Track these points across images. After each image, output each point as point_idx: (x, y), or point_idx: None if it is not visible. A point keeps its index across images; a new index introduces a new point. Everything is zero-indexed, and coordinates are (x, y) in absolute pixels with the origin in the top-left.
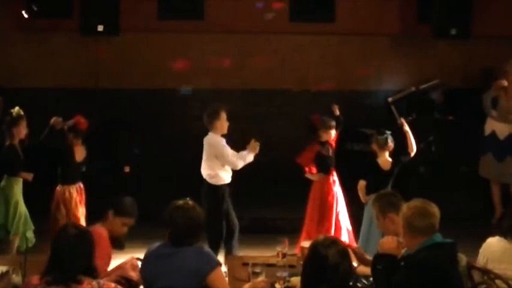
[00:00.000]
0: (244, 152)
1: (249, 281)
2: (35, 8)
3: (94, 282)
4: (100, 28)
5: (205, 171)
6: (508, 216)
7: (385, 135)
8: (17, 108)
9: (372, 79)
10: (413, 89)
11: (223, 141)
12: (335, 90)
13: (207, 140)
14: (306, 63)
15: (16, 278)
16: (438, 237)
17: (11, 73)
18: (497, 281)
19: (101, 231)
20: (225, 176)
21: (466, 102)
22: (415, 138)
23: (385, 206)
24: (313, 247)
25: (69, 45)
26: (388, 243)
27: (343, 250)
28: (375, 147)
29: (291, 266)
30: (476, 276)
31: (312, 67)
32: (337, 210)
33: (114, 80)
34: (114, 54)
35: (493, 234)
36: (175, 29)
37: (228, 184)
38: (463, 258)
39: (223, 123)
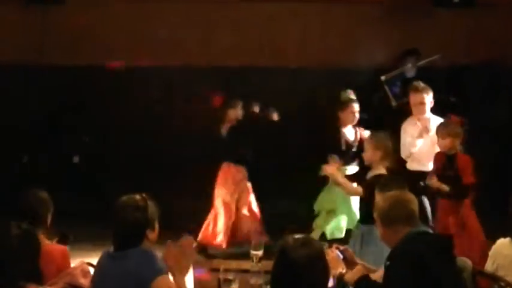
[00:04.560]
0: None
1: None
2: None
3: None
4: None
5: None
6: None
7: None
8: None
9: (362, 54)
10: (409, 65)
11: None
12: (319, 67)
13: None
14: (284, 36)
15: None
16: (425, 228)
17: None
18: None
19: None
20: None
21: (471, 80)
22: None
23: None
24: (281, 249)
25: (8, 13)
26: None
27: (316, 253)
28: None
29: (268, 272)
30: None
31: (291, 41)
32: None
33: (61, 55)
34: (60, 25)
35: (504, 235)
36: None
37: None
38: (467, 262)
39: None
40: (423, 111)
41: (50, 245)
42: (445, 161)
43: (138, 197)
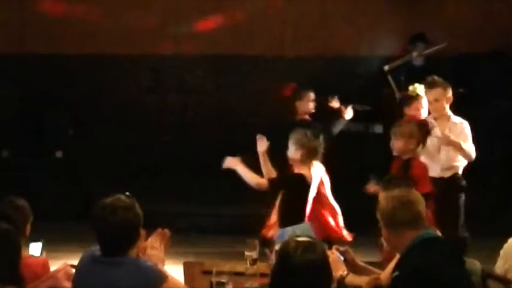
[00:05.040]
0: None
1: None
2: None
3: None
4: None
5: None
6: None
7: None
8: None
9: (363, 42)
10: (414, 54)
11: None
12: (317, 56)
13: None
14: (280, 22)
15: None
16: (432, 233)
17: None
18: None
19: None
20: None
21: (480, 70)
22: None
23: None
24: (283, 253)
25: None
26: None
27: (320, 258)
28: None
29: (263, 275)
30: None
31: (288, 28)
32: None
33: (43, 43)
34: (42, 14)
35: None
36: None
37: None
38: (476, 265)
39: None
40: (437, 110)
41: (30, 258)
42: (400, 167)
43: (123, 197)
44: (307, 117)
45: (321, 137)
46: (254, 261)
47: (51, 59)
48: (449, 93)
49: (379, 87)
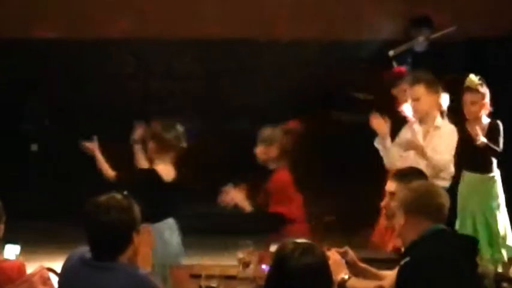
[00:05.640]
0: None
1: None
2: None
3: None
4: None
5: None
6: None
7: None
8: None
9: (365, 25)
10: (421, 38)
11: None
12: (315, 40)
13: None
14: (275, 3)
15: None
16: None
17: None
18: None
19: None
20: None
21: (493, 55)
22: None
23: None
24: (279, 257)
25: None
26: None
27: (319, 262)
28: None
29: (258, 279)
30: None
31: (283, 9)
32: None
33: (15, 27)
34: None
35: None
36: None
37: None
38: (488, 268)
39: None
40: (417, 111)
41: (4, 262)
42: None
43: (119, 196)
44: None
45: (179, 130)
46: (247, 264)
47: (23, 43)
48: (436, 92)
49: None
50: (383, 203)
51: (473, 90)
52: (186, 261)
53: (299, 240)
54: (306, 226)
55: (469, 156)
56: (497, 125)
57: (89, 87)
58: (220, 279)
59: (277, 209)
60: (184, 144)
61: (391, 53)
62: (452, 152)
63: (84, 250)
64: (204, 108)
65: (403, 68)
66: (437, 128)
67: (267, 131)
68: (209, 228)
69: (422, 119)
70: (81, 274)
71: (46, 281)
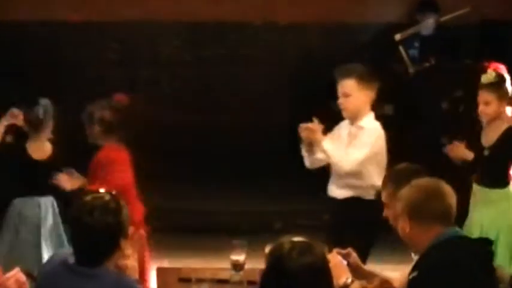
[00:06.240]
0: None
1: None
2: None
3: None
4: None
5: None
6: None
7: None
8: None
9: (368, 6)
10: (430, 21)
11: None
12: (315, 23)
13: None
14: None
15: None
16: (461, 231)
17: None
18: None
19: None
20: None
21: (507, 40)
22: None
23: None
24: (275, 256)
25: None
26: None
27: (318, 262)
28: None
29: (251, 283)
30: None
31: None
32: None
33: None
34: None
35: None
36: None
37: None
38: (504, 272)
39: None
40: (345, 108)
41: None
42: None
43: (107, 196)
44: None
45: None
46: (241, 267)
47: (4, 26)
48: (369, 88)
49: (388, 60)
50: (384, 214)
51: (488, 87)
52: (174, 263)
53: (296, 239)
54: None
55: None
56: None
57: (69, 75)
58: (211, 283)
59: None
60: (50, 119)
61: (397, 36)
62: (363, 154)
63: (66, 253)
64: (193, 96)
65: (499, 65)
66: (360, 127)
67: (86, 110)
68: (200, 226)
69: (353, 118)
70: (63, 280)
71: (22, 285)
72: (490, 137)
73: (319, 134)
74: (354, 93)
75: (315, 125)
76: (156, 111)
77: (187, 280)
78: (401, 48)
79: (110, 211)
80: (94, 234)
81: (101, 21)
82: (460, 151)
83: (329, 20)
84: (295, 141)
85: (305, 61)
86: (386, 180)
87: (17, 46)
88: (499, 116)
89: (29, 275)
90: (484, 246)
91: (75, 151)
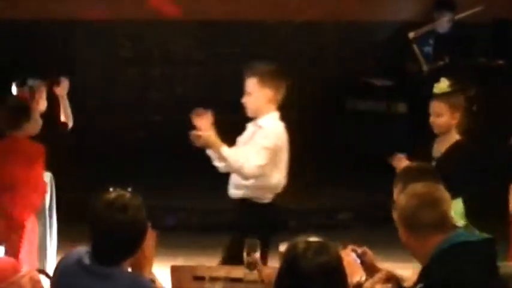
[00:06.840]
0: None
1: None
2: None
3: None
4: None
5: None
6: None
7: None
8: None
9: (383, 5)
10: (446, 19)
11: None
12: (329, 21)
13: None
14: None
15: None
16: (462, 234)
17: None
18: None
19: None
20: None
21: None
22: None
23: None
24: (290, 257)
25: None
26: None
27: (333, 262)
28: None
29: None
30: None
31: None
32: None
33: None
34: None
35: None
36: None
37: None
38: (508, 268)
39: None
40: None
41: None
42: None
43: (128, 193)
44: None
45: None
46: (254, 266)
47: (10, 24)
48: (270, 86)
49: (402, 58)
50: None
51: (440, 97)
52: (188, 261)
53: (311, 239)
54: None
55: None
56: (462, 145)
57: (81, 74)
58: (225, 282)
59: None
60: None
61: (411, 34)
62: (264, 159)
63: (81, 252)
64: (206, 95)
65: None
66: (259, 127)
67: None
68: (212, 225)
69: (254, 116)
70: (78, 279)
71: (36, 284)
72: (438, 149)
73: (213, 137)
74: (254, 92)
75: (206, 130)
76: (168, 110)
77: (201, 278)
78: (415, 47)
79: (140, 208)
80: (128, 232)
81: (114, 20)
82: (402, 164)
83: (343, 18)
84: (308, 139)
85: (318, 59)
86: (397, 179)
87: (29, 44)
88: (451, 128)
89: (43, 273)
90: (488, 248)
91: None
